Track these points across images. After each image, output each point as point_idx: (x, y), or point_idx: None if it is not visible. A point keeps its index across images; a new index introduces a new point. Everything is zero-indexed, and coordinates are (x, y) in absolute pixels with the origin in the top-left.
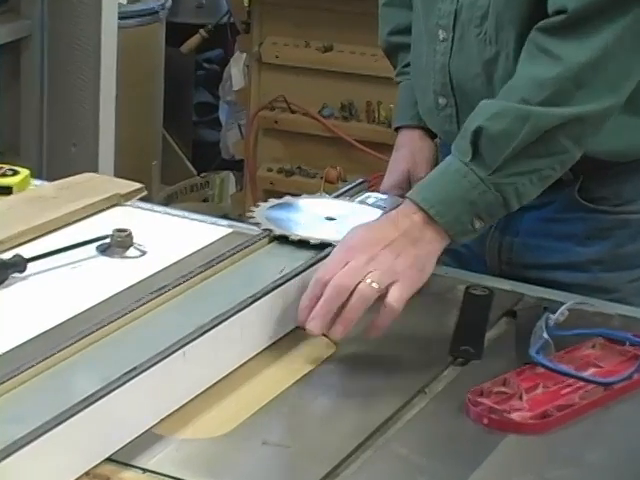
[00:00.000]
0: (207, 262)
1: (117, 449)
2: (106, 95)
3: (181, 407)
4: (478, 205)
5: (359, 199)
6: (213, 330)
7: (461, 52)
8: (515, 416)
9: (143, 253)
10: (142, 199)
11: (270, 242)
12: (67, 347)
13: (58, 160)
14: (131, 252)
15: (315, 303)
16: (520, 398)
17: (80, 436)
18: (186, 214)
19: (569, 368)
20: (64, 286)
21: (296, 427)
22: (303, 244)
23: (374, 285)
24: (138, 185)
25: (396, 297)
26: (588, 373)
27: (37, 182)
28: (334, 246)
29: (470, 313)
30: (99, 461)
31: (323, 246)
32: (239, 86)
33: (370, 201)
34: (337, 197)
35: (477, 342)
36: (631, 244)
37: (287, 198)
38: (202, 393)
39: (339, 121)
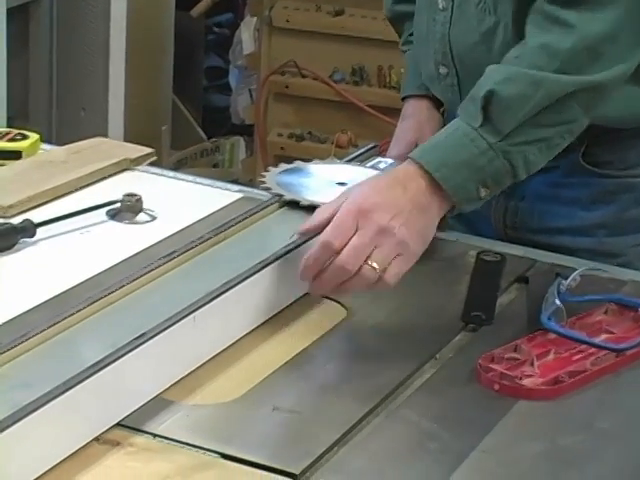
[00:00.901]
0: (217, 227)
1: (126, 415)
2: (116, 60)
3: (191, 373)
4: (485, 172)
5: (370, 164)
6: (223, 296)
7: (460, 21)
8: (526, 382)
9: (153, 218)
10: (152, 164)
11: (280, 207)
12: (76, 313)
13: (67, 125)
14: (141, 217)
15: (318, 265)
16: (531, 364)
17: (89, 402)
18: (196, 179)
19: (581, 334)
20: (73, 251)
21: (306, 393)
22: (314, 209)
23: (376, 266)
24: (148, 150)
25: (393, 274)
26: (600, 339)
27: (47, 147)
28: None
29: (482, 279)
30: (109, 427)
31: None
32: (249, 50)
33: (381, 166)
34: (348, 162)
35: (488, 308)
36: (635, 208)
37: (298, 163)
38: (212, 359)
39: (350, 86)
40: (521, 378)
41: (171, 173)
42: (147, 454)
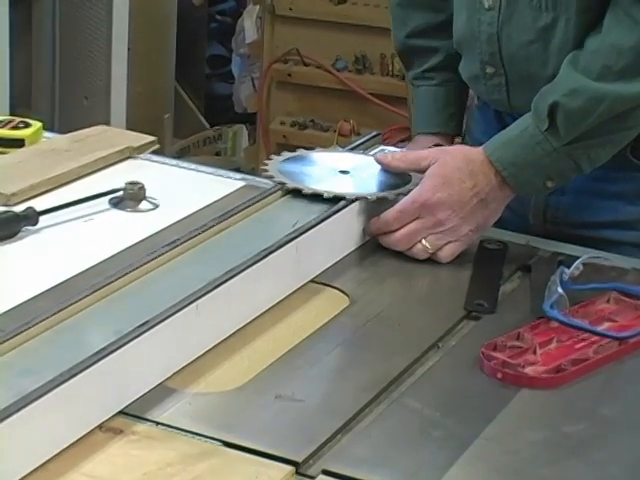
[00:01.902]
0: (220, 215)
1: (130, 402)
2: (118, 48)
3: (194, 361)
4: (551, 169)
5: (373, 152)
6: (226, 283)
7: (511, 20)
8: (529, 370)
9: (155, 206)
10: (154, 152)
11: (283, 195)
12: (79, 300)
13: (70, 113)
14: (143, 205)
15: (374, 234)
16: (534, 352)
17: (93, 389)
18: (198, 167)
19: (583, 322)
20: (76, 239)
21: (309, 381)
22: (316, 197)
23: (428, 247)
24: (150, 138)
25: (446, 255)
26: (602, 327)
27: (49, 135)
28: (347, 200)
29: (484, 267)
30: (112, 414)
31: (336, 199)
32: (252, 39)
33: None
34: (351, 150)
35: (491, 296)
36: None
37: (301, 151)
38: (215, 347)
39: (352, 74)
40: (524, 366)
41: (173, 161)
42: (150, 442)
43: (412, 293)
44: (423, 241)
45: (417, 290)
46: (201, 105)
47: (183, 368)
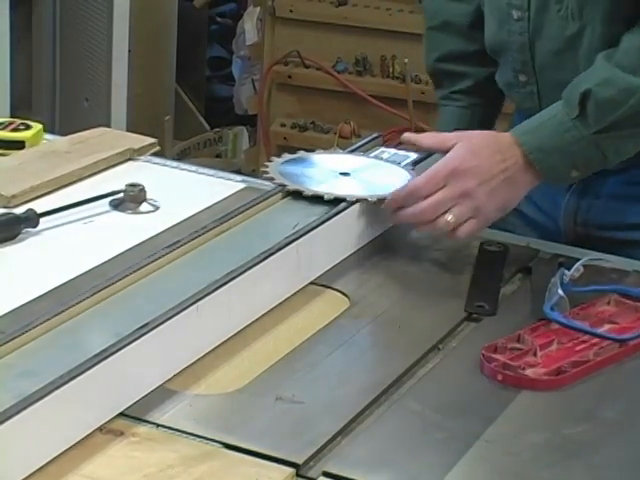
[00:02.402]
0: (220, 217)
1: (130, 404)
2: (119, 50)
3: (194, 362)
4: (577, 158)
5: (373, 154)
6: (226, 285)
7: (541, 30)
8: (529, 372)
9: (156, 208)
10: (155, 154)
11: (284, 197)
12: (80, 302)
13: (70, 115)
14: (144, 207)
15: (400, 204)
16: (534, 354)
17: (93, 391)
18: (199, 169)
19: (584, 324)
20: (77, 241)
21: (310, 383)
22: (317, 199)
23: (451, 221)
24: (151, 140)
25: (466, 231)
26: (603, 329)
27: (50, 137)
28: (348, 202)
29: (485, 269)
30: (112, 416)
31: (337, 201)
32: (252, 41)
33: (385, 156)
34: (351, 152)
35: (492, 298)
36: None
37: (301, 153)
38: (215, 349)
39: (353, 76)
40: (524, 368)
41: (174, 163)
42: (150, 444)
43: (412, 295)
44: (446, 214)
45: (417, 292)
46: (201, 107)
47: (183, 370)
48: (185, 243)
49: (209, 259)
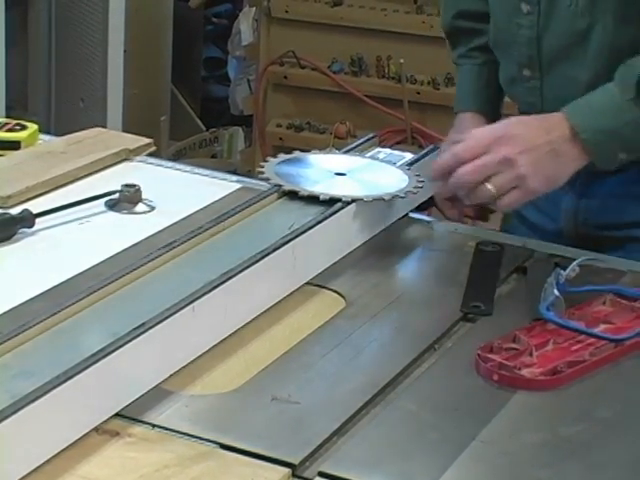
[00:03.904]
0: (216, 218)
1: (126, 405)
2: (114, 50)
3: (190, 363)
4: (628, 140)
5: (369, 154)
6: (223, 285)
7: (550, 24)
8: (525, 372)
9: (152, 209)
10: (151, 154)
11: (279, 198)
12: (76, 302)
13: (66, 115)
14: (140, 207)
15: (444, 169)
16: (530, 354)
17: (89, 391)
18: (195, 169)
19: (580, 324)
20: (72, 241)
21: (306, 383)
22: (313, 200)
23: (492, 189)
24: (147, 140)
25: (508, 202)
26: (599, 329)
27: (45, 137)
28: (344, 202)
29: (481, 269)
30: (108, 416)
31: (333, 202)
32: (248, 41)
33: (380, 156)
34: (347, 152)
35: (488, 298)
36: None
37: (297, 153)
38: (211, 349)
39: (349, 76)
40: (520, 368)
41: (170, 163)
42: (146, 444)
43: (408, 295)
44: (488, 183)
45: (413, 292)
46: (197, 107)
47: (179, 370)
48: (181, 243)
49: (205, 259)
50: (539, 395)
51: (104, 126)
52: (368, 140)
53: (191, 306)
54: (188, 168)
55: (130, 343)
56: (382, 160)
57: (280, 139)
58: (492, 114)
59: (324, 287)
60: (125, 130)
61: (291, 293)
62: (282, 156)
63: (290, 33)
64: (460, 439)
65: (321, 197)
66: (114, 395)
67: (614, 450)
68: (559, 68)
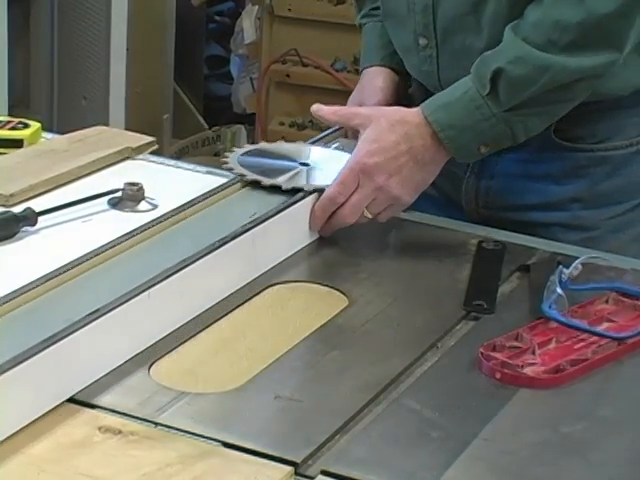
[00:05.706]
0: (178, 206)
1: (81, 389)
2: (117, 48)
3: (192, 362)
4: (487, 135)
5: (334, 146)
6: (179, 273)
7: None
8: (528, 370)
9: (154, 207)
10: (153, 153)
11: (242, 187)
12: (33, 289)
13: (69, 113)
14: (142, 206)
15: (325, 216)
16: (533, 353)
17: (43, 375)
18: (197, 168)
19: (582, 323)
20: (75, 239)
21: (308, 381)
22: (275, 189)
23: (370, 216)
24: (149, 138)
25: (383, 218)
26: (601, 328)
27: (48, 135)
28: (305, 192)
29: (483, 267)
30: (62, 400)
31: (295, 191)
32: (251, 39)
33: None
34: (313, 143)
35: (490, 296)
36: (608, 181)
37: (262, 144)
38: (213, 347)
39: (351, 74)
40: (522, 367)
41: (172, 162)
42: (148, 442)
43: (411, 293)
44: (365, 212)
45: (416, 290)
46: (200, 106)
47: (181, 368)
48: (142, 231)
49: (164, 247)
50: (541, 393)
51: (106, 124)
52: (334, 132)
53: (147, 292)
54: (190, 166)
55: (85, 328)
56: (347, 151)
57: (282, 137)
58: (398, 66)
59: (327, 286)
60: (127, 128)
61: (293, 291)
62: (247, 146)
63: (293, 31)
64: (462, 437)
65: (283, 187)
66: (67, 380)
67: (616, 448)
68: (454, 37)
